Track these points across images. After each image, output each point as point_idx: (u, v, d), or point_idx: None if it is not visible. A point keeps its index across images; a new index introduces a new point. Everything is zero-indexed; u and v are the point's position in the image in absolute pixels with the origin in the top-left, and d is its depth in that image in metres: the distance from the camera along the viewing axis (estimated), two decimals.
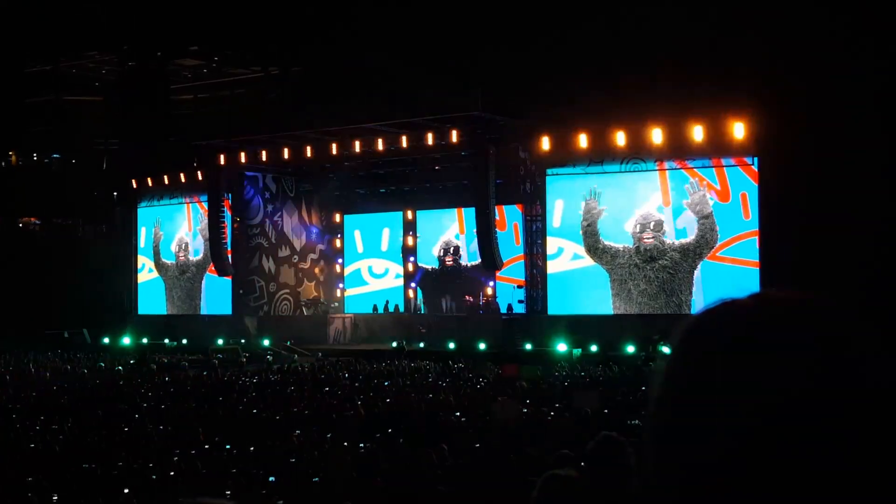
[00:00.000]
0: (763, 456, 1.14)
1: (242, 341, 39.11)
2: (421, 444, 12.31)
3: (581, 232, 36.37)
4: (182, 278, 46.13)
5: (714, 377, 1.19)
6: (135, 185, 46.67)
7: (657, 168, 35.13)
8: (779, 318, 1.21)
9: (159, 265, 46.75)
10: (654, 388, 1.28)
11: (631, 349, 32.37)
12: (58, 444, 14.27)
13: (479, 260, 38.49)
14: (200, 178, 43.42)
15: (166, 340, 42.56)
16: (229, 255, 42.24)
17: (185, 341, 41.52)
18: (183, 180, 44.89)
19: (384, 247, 45.73)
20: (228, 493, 9.98)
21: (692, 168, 34.57)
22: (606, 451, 5.03)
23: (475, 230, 37.56)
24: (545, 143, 35.76)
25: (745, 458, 1.14)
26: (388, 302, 44.20)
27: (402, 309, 43.33)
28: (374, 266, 46.19)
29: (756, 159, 33.57)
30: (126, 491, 10.12)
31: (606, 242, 36.00)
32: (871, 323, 1.21)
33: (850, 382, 1.15)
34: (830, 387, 1.15)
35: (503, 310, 39.45)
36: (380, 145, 38.58)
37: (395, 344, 37.05)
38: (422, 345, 36.89)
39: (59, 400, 21.19)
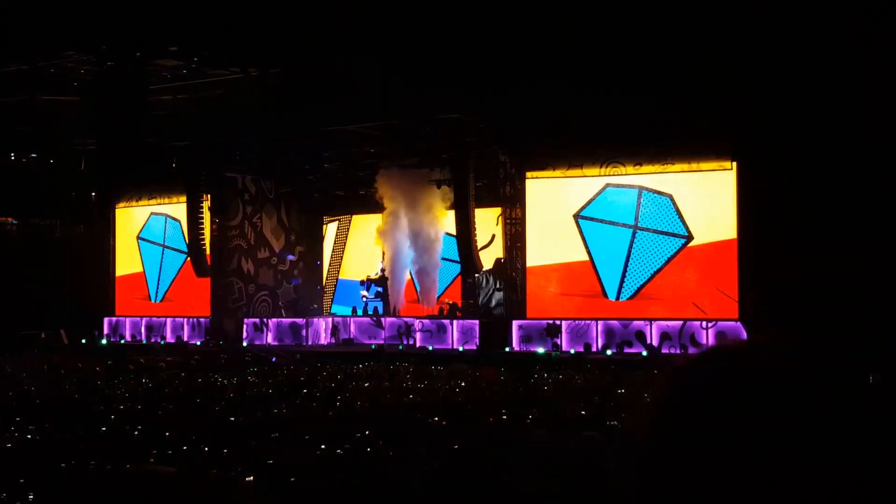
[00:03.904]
0: None
1: (221, 343, 39.05)
2: (399, 445, 12.32)
3: None
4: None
5: (693, 431, 1.15)
6: (113, 186, 46.44)
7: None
8: (767, 377, 1.15)
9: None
10: (638, 428, 1.23)
11: (610, 352, 32.73)
12: (34, 445, 14.19)
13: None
14: (179, 179, 43.27)
15: (144, 341, 42.44)
16: (208, 257, 42.16)
17: (163, 342, 41.43)
18: (161, 181, 44.72)
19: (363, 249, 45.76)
20: None
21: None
22: (586, 451, 5.07)
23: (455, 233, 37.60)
24: (525, 146, 35.81)
25: None
26: (366, 304, 44.15)
27: (381, 311, 43.31)
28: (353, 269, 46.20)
29: (735, 164, 33.57)
30: None
31: None
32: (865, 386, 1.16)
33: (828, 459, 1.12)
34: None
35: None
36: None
37: (374, 346, 37.13)
38: (400, 347, 36.91)
39: (36, 400, 21.06)
